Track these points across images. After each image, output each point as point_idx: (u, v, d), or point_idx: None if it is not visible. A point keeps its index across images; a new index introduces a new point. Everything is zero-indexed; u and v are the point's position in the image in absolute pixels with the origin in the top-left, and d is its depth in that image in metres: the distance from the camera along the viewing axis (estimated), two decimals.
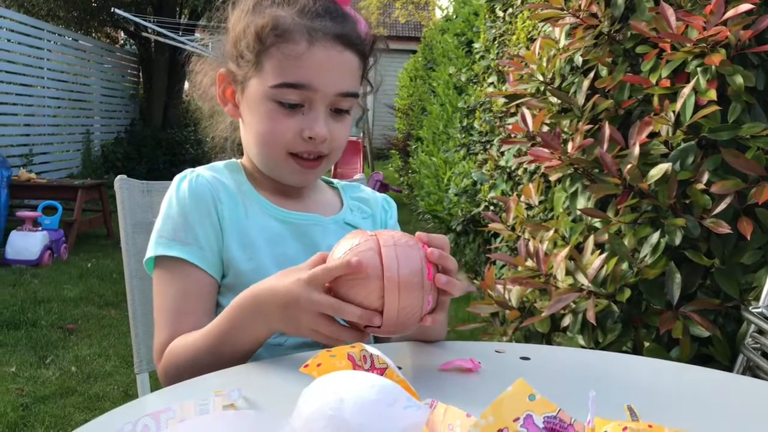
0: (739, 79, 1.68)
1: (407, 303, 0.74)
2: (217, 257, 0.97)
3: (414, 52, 10.55)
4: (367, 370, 0.56)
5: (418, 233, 0.80)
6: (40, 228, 5.13)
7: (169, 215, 0.98)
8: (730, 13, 1.67)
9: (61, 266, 5.08)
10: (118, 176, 1.19)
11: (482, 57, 4.43)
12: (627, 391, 0.75)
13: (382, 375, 0.54)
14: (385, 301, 0.73)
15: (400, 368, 0.77)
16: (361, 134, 9.68)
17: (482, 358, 0.79)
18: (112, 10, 9.12)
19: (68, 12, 10.83)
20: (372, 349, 0.57)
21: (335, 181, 1.17)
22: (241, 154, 1.10)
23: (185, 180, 1.01)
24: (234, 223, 0.99)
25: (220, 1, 1.07)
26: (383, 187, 9.64)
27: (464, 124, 5.02)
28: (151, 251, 0.96)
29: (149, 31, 9.48)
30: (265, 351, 0.92)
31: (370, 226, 1.11)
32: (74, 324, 3.76)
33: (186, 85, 11.20)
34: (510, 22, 3.55)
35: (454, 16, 6.34)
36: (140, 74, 11.94)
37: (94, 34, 11.76)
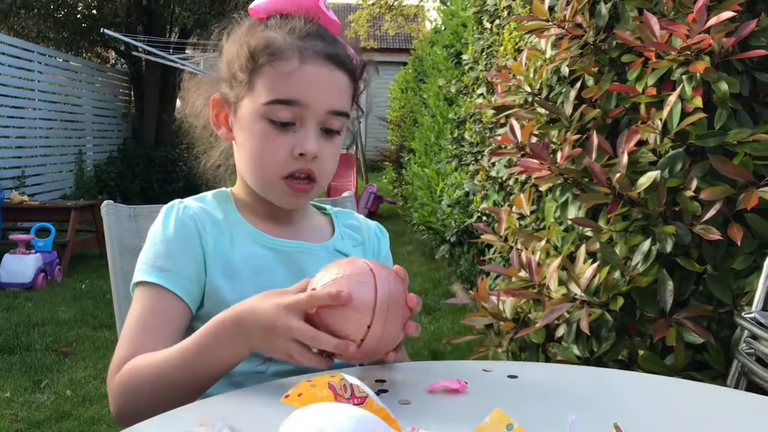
0: (724, 86, 1.69)
1: (388, 336, 0.76)
2: (195, 287, 0.97)
3: (404, 64, 10.59)
4: (348, 399, 0.55)
5: (397, 267, 0.82)
6: (33, 251, 5.12)
7: (152, 243, 0.99)
8: (713, 20, 1.68)
9: (55, 288, 5.05)
10: (105, 201, 1.18)
11: (471, 68, 4.45)
12: (615, 408, 0.75)
13: (362, 404, 0.54)
14: (369, 332, 0.74)
15: (386, 391, 0.77)
16: (354, 147, 9.68)
17: (470, 377, 0.79)
18: (101, 31, 9.13)
19: (58, 33, 10.85)
20: (352, 378, 0.57)
21: (328, 207, 1.17)
22: (234, 182, 1.10)
23: (172, 210, 1.01)
24: (219, 254, 0.99)
25: (216, 30, 1.08)
26: (378, 199, 9.63)
27: (455, 135, 5.03)
28: (133, 279, 0.98)
29: (140, 50, 9.49)
30: (248, 378, 0.92)
31: (360, 254, 1.10)
32: (69, 347, 3.74)
33: (178, 102, 11.22)
34: (497, 34, 3.57)
35: (443, 28, 6.37)
36: (132, 93, 11.96)
37: (84, 55, 11.78)
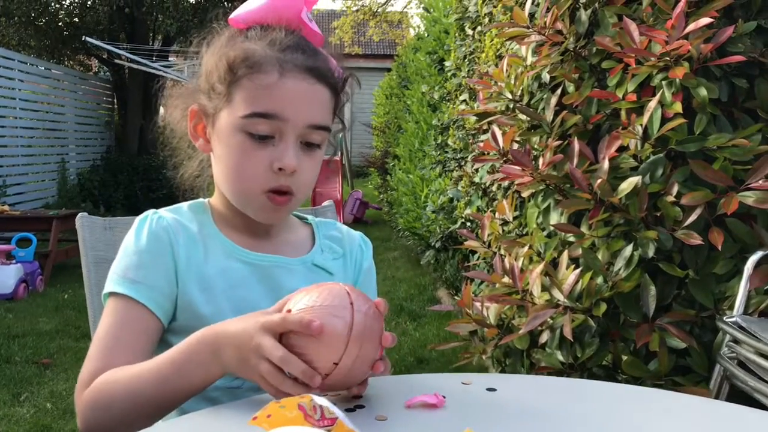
0: (703, 92, 1.69)
1: (355, 373, 0.75)
2: (167, 300, 0.95)
3: (389, 70, 10.60)
4: (318, 421, 0.54)
5: (378, 301, 0.79)
6: (14, 261, 5.05)
7: (125, 254, 0.97)
8: (691, 27, 1.69)
9: (36, 299, 4.99)
10: (80, 214, 1.17)
11: (454, 75, 4.46)
12: (595, 421, 0.74)
13: (332, 425, 0.53)
14: (337, 368, 0.73)
15: (363, 407, 0.76)
16: (340, 153, 9.67)
17: (448, 391, 0.78)
18: (83, 39, 9.06)
19: (40, 41, 10.77)
20: (321, 399, 0.56)
21: (309, 217, 1.15)
22: (212, 193, 1.09)
23: (146, 221, 1.00)
24: (192, 266, 0.97)
25: (196, 39, 1.06)
26: (363, 205, 9.62)
27: (439, 141, 5.03)
28: (104, 289, 0.96)
29: (122, 58, 9.43)
30: (224, 394, 0.90)
31: (340, 267, 1.09)
32: (50, 358, 3.69)
33: (161, 110, 11.15)
34: (479, 40, 3.57)
35: (426, 35, 6.38)
36: (115, 101, 11.88)
37: (66, 63, 11.70)
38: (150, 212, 1.02)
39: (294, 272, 1.02)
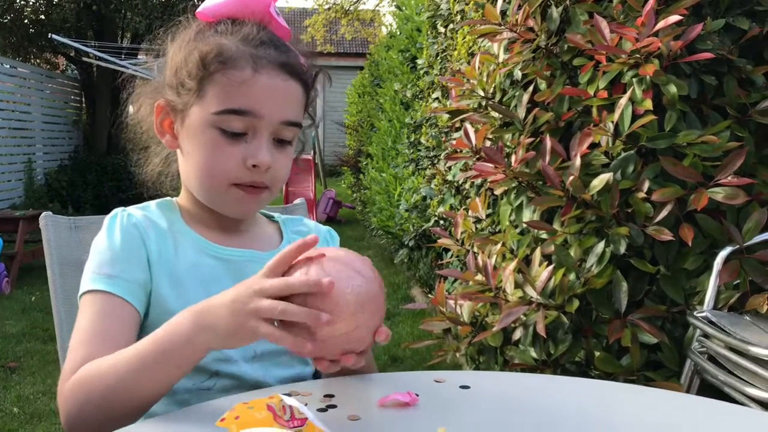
0: (673, 89, 1.71)
1: (358, 338, 0.74)
2: (142, 292, 0.93)
3: (361, 68, 10.58)
4: (287, 422, 0.53)
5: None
6: None
7: (97, 252, 0.95)
8: (661, 24, 1.70)
9: (2, 301, 4.89)
10: (43, 213, 1.13)
11: (426, 73, 4.46)
12: (568, 416, 0.74)
13: (302, 426, 0.51)
14: (343, 326, 0.72)
15: (335, 407, 0.74)
16: (312, 152, 9.62)
17: (422, 389, 0.77)
18: (50, 36, 8.90)
19: (5, 39, 10.54)
20: (291, 400, 0.54)
21: (276, 215, 1.14)
22: (175, 190, 1.07)
23: (116, 219, 0.98)
24: (163, 261, 0.96)
25: (160, 30, 1.04)
26: (336, 204, 9.59)
27: (412, 139, 5.03)
28: (80, 289, 0.93)
29: (90, 56, 9.28)
30: (193, 396, 0.88)
31: None
32: (16, 362, 3.62)
33: (130, 108, 11.00)
34: (451, 38, 3.58)
35: (398, 33, 6.37)
36: (83, 100, 11.69)
37: (33, 61, 11.47)
38: (119, 210, 1.00)
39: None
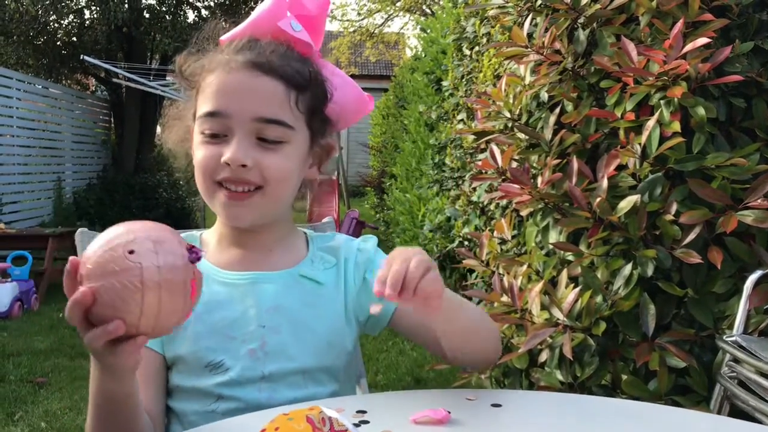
0: (701, 111, 1.70)
1: (167, 321, 0.74)
2: None
3: (386, 90, 10.65)
4: None
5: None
6: (9, 279, 5.03)
7: None
8: (689, 47, 1.71)
9: (31, 317, 4.96)
10: (79, 229, 1.16)
11: (451, 95, 4.48)
12: None
13: None
14: (144, 311, 0.71)
15: (368, 422, 0.75)
16: (336, 172, 9.69)
17: (453, 407, 0.77)
18: (81, 58, 9.10)
19: (37, 60, 10.79)
20: (330, 411, 0.55)
21: (308, 231, 1.15)
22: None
23: None
24: None
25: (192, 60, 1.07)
26: (359, 225, 9.60)
27: (436, 160, 5.04)
28: None
29: (120, 77, 9.46)
30: (201, 418, 0.90)
31: (332, 276, 1.07)
32: (45, 377, 3.66)
33: (158, 129, 11.17)
34: (477, 60, 3.60)
35: (423, 55, 6.42)
36: (112, 120, 11.89)
37: (64, 81, 11.72)
38: None
39: (277, 283, 1.02)
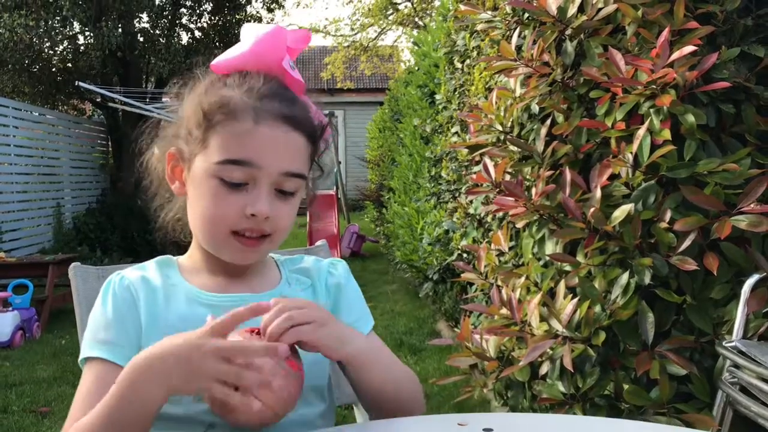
0: (690, 118, 1.71)
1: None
2: (136, 353, 0.95)
3: (381, 103, 10.68)
4: None
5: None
6: (10, 308, 5.02)
7: (93, 319, 1.01)
8: (676, 55, 1.71)
9: (33, 346, 4.95)
10: (72, 264, 1.17)
11: (445, 108, 4.50)
12: None
13: None
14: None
15: None
16: (335, 187, 9.70)
17: None
18: (77, 84, 9.14)
19: (33, 88, 10.83)
20: None
21: (276, 256, 1.17)
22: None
23: (110, 285, 1.03)
24: (153, 317, 1.00)
25: (176, 85, 1.08)
26: (360, 239, 9.61)
27: (432, 173, 5.05)
28: (80, 356, 1.00)
29: (116, 101, 9.49)
30: None
31: (310, 297, 1.10)
32: (48, 406, 3.65)
33: (156, 151, 11.17)
34: (468, 73, 3.61)
35: (416, 69, 6.44)
36: (109, 143, 11.92)
37: (60, 108, 11.76)
38: (113, 276, 1.05)
39: None
